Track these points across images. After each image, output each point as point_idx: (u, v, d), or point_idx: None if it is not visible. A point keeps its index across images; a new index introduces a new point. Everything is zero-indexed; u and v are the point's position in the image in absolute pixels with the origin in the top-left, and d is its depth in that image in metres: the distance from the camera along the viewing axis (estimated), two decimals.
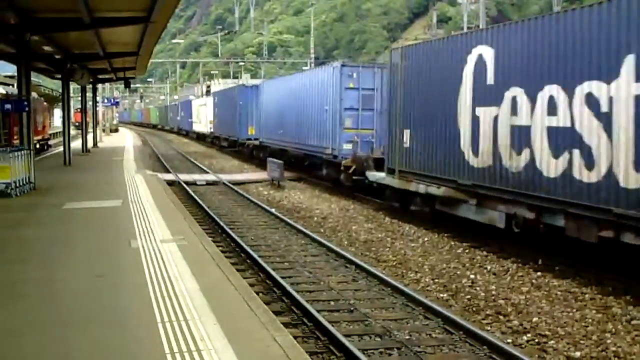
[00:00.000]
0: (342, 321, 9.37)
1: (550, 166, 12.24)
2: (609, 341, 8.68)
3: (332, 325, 8.83)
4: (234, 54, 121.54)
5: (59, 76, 31.81)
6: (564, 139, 11.90)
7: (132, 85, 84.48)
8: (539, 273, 12.03)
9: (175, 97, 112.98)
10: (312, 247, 14.47)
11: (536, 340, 8.82)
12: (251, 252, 13.28)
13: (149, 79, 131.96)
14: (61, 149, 30.84)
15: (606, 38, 11.05)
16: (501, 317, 9.77)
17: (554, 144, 12.16)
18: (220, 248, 12.97)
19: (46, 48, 23.92)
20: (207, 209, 18.93)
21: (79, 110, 50.54)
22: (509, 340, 8.80)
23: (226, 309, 7.44)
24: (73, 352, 6.18)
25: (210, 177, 28.44)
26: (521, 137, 13.05)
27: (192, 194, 22.30)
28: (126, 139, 55.20)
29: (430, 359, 8.09)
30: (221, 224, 16.49)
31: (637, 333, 9.00)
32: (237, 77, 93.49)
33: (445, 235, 15.49)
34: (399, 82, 17.92)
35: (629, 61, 10.53)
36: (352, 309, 9.96)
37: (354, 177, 21.44)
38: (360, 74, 22.74)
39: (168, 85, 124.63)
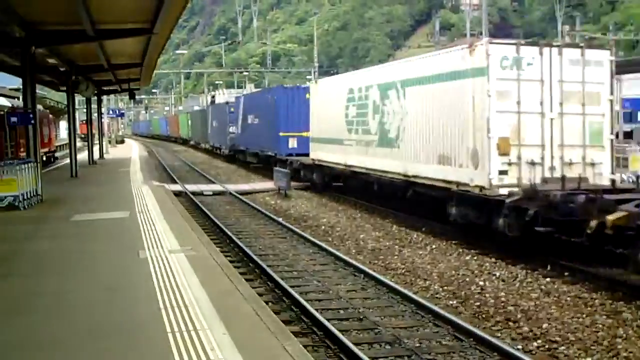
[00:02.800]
0: (351, 329, 9.36)
1: None
2: (620, 347, 8.64)
3: (342, 334, 8.81)
4: (238, 64, 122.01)
5: (64, 88, 31.96)
6: None
7: (137, 97, 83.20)
8: (548, 279, 11.99)
9: (180, 107, 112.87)
10: (320, 256, 14.46)
11: (547, 347, 8.79)
12: (259, 261, 13.27)
13: (153, 90, 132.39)
14: (67, 161, 30.92)
15: None
16: (511, 323, 9.74)
17: None
18: (229, 258, 12.97)
19: (51, 60, 24.03)
20: (214, 218, 18.94)
21: (84, 122, 50.70)
22: (520, 347, 8.77)
23: (235, 318, 7.43)
24: None
25: (217, 187, 28.47)
26: None
27: (199, 204, 22.33)
28: (132, 151, 55.30)
29: None
30: (229, 233, 16.49)
31: None
32: (241, 87, 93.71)
33: (454, 242, 15.47)
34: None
35: None
36: (361, 317, 9.95)
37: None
38: None
39: (173, 96, 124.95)
